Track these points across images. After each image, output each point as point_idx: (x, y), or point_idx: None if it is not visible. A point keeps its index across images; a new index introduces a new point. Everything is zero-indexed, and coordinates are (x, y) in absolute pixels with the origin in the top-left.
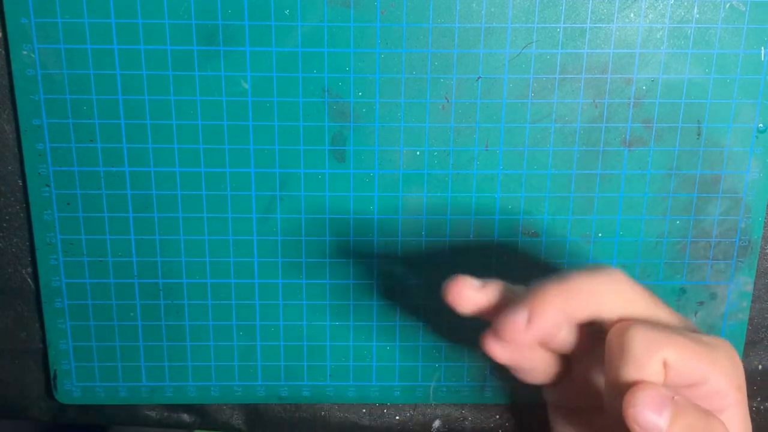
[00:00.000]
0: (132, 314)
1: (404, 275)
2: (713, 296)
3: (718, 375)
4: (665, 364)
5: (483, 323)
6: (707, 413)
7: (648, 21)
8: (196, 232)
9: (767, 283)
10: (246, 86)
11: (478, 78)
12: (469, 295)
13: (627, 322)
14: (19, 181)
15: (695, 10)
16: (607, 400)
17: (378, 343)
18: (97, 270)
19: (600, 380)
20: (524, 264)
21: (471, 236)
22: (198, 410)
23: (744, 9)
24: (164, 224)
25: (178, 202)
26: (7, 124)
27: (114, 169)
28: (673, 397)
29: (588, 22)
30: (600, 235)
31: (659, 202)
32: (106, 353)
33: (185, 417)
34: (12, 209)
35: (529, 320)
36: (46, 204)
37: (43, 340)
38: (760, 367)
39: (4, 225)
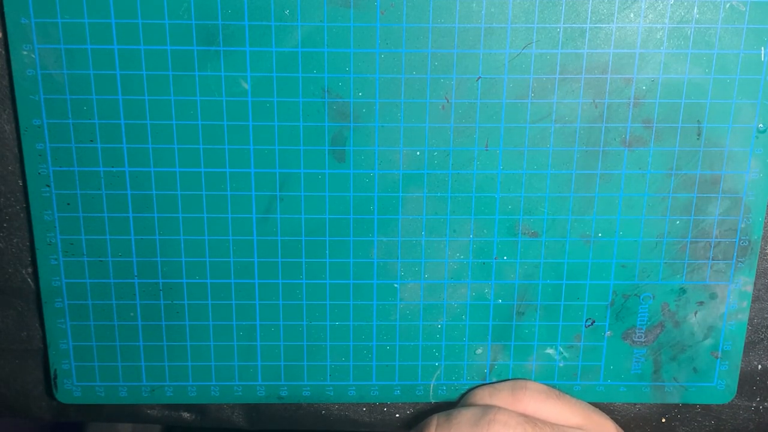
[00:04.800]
0: (132, 314)
1: (404, 275)
2: (713, 296)
3: None
4: None
5: (481, 324)
6: None
7: (648, 21)
8: (196, 232)
9: (767, 283)
10: (246, 86)
11: (478, 78)
12: None
13: None
14: (19, 181)
15: (695, 10)
16: None
17: (378, 343)
18: (97, 270)
19: None
20: (524, 264)
21: (471, 236)
22: (198, 409)
23: (744, 9)
24: (164, 224)
25: (178, 202)
26: (7, 124)
27: (114, 169)
28: None
29: (588, 22)
30: (600, 235)
31: (659, 202)
32: (106, 353)
33: (185, 416)
34: (12, 209)
35: None
36: (46, 204)
37: (43, 340)
38: (759, 367)
39: (4, 225)
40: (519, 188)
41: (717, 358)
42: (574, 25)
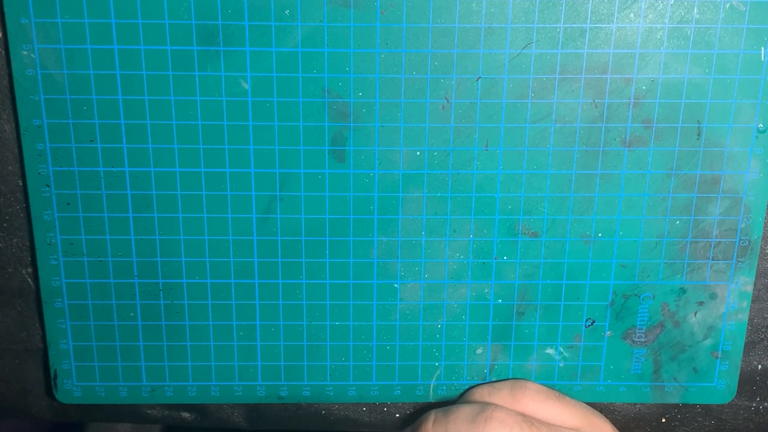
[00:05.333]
0: (132, 314)
1: (404, 275)
2: (713, 296)
3: None
4: None
5: (481, 324)
6: None
7: (648, 21)
8: (196, 232)
9: (767, 283)
10: (246, 86)
11: (478, 78)
12: None
13: None
14: (19, 181)
15: (695, 10)
16: None
17: (378, 343)
18: (97, 270)
19: None
20: (524, 264)
21: (471, 236)
22: (198, 409)
23: (744, 9)
24: (164, 224)
25: (178, 202)
26: (7, 124)
27: (114, 169)
28: None
29: (588, 22)
30: (600, 235)
31: (659, 202)
32: (106, 353)
33: (185, 415)
34: (12, 209)
35: None
36: (46, 204)
37: (43, 340)
38: (759, 367)
39: (4, 225)
40: (519, 188)
41: (717, 358)
42: (574, 25)
